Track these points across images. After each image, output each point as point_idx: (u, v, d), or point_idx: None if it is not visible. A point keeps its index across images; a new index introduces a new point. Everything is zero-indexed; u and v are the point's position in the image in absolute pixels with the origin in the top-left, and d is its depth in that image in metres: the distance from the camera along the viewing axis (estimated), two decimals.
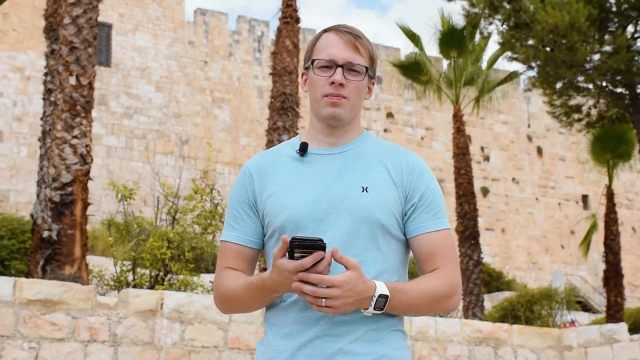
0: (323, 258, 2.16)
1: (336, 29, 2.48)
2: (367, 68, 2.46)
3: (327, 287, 2.19)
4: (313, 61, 2.47)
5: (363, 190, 2.39)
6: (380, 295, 2.26)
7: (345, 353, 2.32)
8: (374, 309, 2.27)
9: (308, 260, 2.15)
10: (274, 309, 2.43)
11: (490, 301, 24.51)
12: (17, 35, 29.36)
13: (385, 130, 36.20)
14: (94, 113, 29.44)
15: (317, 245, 2.14)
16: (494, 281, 30.25)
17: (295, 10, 14.33)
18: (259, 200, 2.48)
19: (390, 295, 2.28)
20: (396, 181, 2.44)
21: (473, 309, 15.89)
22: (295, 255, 2.16)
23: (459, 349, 9.64)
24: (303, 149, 2.48)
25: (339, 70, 2.42)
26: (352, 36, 2.45)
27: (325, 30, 2.52)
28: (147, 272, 10.36)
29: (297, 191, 2.42)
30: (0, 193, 28.02)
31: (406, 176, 2.46)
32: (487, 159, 38.88)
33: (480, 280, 16.30)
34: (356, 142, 2.51)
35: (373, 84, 2.55)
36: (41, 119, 11.89)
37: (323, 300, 2.20)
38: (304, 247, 2.14)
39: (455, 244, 2.50)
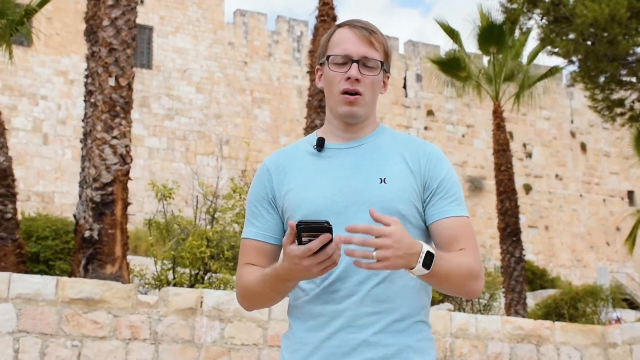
0: (332, 241, 2.14)
1: (350, 25, 2.48)
2: (382, 63, 2.46)
3: (377, 237, 2.12)
4: (328, 57, 2.47)
5: (381, 182, 2.39)
6: (428, 253, 2.20)
7: (370, 344, 2.32)
8: (423, 266, 2.19)
9: (315, 244, 2.13)
10: (298, 303, 2.44)
11: (534, 299, 24.27)
12: (60, 40, 29.76)
13: (425, 129, 36.04)
14: (136, 115, 29.73)
15: (323, 227, 2.12)
16: (537, 279, 29.94)
17: (332, 9, 14.34)
18: (278, 196, 2.49)
19: (436, 256, 2.22)
20: (414, 171, 2.43)
21: (516, 307, 15.75)
22: (304, 239, 2.14)
23: (500, 346, 9.56)
24: (320, 144, 2.49)
25: (355, 65, 2.42)
26: (367, 31, 2.45)
27: (339, 26, 2.52)
28: (187, 271, 10.44)
29: (316, 186, 2.42)
30: (46, 195, 28.42)
31: (424, 165, 2.45)
32: (529, 156, 38.51)
33: (522, 277, 16.14)
34: (373, 136, 2.51)
35: (388, 78, 2.55)
36: (83, 120, 12.04)
37: (374, 253, 2.12)
38: (311, 230, 2.12)
39: (474, 233, 2.46)
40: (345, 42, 2.45)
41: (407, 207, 2.38)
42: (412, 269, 2.20)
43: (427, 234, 2.46)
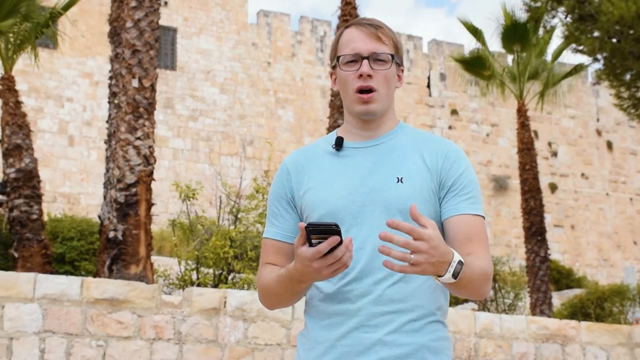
0: (340, 243, 2.14)
1: (356, 23, 2.49)
2: (392, 56, 2.45)
3: (415, 239, 2.09)
4: (338, 58, 2.48)
5: (398, 181, 2.38)
6: (459, 262, 2.18)
7: (385, 344, 2.31)
8: (452, 275, 2.17)
9: (324, 246, 2.12)
10: (313, 301, 2.44)
11: (560, 299, 24.10)
12: (85, 42, 29.95)
13: (449, 128, 35.92)
14: (160, 116, 29.90)
15: (331, 230, 2.11)
16: (563, 279, 29.71)
17: (355, 8, 14.33)
18: (296, 195, 2.49)
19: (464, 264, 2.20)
20: (430, 168, 2.42)
21: (541, 306, 15.65)
22: (313, 241, 2.14)
23: (525, 346, 9.51)
24: (338, 143, 2.49)
25: (365, 62, 2.42)
26: (373, 27, 2.46)
27: (346, 27, 2.53)
28: (211, 271, 10.47)
29: (333, 185, 2.42)
30: (72, 196, 28.62)
31: (441, 162, 2.44)
32: (554, 154, 38.26)
33: (547, 277, 16.04)
34: (392, 134, 2.50)
35: (402, 71, 2.54)
36: (107, 121, 12.11)
37: (412, 256, 2.09)
38: (319, 232, 2.12)
39: (487, 234, 2.44)
40: (353, 41, 2.46)
41: (423, 207, 2.37)
42: (440, 276, 2.18)
43: (442, 233, 2.43)
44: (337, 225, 2.12)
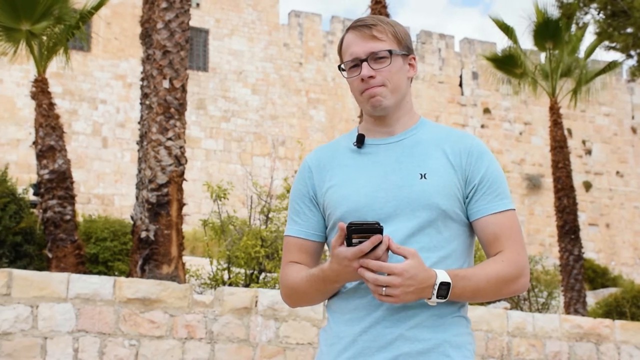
0: (381, 242, 2.14)
1: (351, 27, 2.51)
2: (390, 51, 2.45)
3: (388, 274, 2.17)
4: (342, 66, 2.52)
5: (421, 177, 2.38)
6: (442, 284, 2.23)
7: (406, 339, 2.31)
8: (437, 297, 2.24)
9: (367, 245, 2.13)
10: (336, 297, 2.44)
11: (595, 298, 23.87)
12: (118, 44, 30.19)
13: (482, 127, 35.71)
14: (192, 117, 30.04)
15: (374, 228, 2.12)
16: (598, 278, 29.41)
17: (385, 7, 14.28)
18: (318, 193, 2.50)
19: (452, 283, 2.25)
20: (455, 165, 2.42)
21: (575, 305, 15.51)
22: (353, 241, 2.15)
23: (558, 345, 9.43)
24: (360, 140, 2.49)
25: (364, 64, 2.44)
26: (367, 27, 2.47)
27: (344, 33, 2.55)
28: (242, 270, 10.50)
29: (355, 182, 2.42)
30: (106, 197, 28.87)
31: (465, 159, 2.43)
32: (589, 152, 37.90)
33: (581, 275, 15.89)
34: (413, 130, 2.50)
35: (413, 59, 2.54)
36: (139, 123, 12.19)
37: (383, 288, 2.18)
38: (361, 231, 2.12)
39: (519, 225, 2.43)
40: (350, 46, 2.48)
41: (448, 202, 2.37)
42: (428, 298, 2.25)
43: (471, 229, 2.45)
44: (379, 224, 2.14)
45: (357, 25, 2.49)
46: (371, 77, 2.43)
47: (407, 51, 2.51)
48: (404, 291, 2.18)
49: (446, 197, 2.37)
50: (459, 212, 2.40)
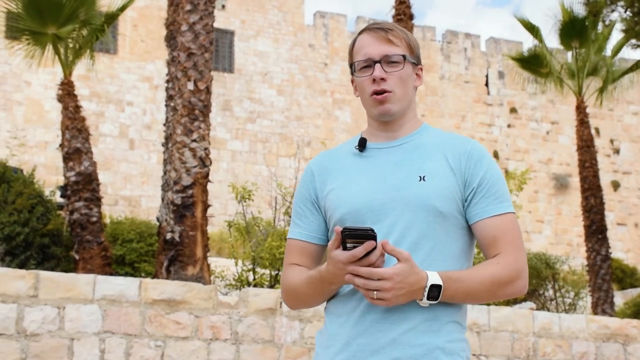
0: (375, 248, 2.17)
1: (367, 29, 2.53)
2: (404, 56, 2.48)
3: (378, 279, 2.20)
4: (354, 65, 2.53)
5: (420, 180, 2.40)
6: (432, 286, 2.25)
7: (399, 343, 2.32)
8: (428, 299, 2.27)
9: (359, 250, 2.17)
10: (333, 299, 2.47)
11: (624, 298, 23.67)
12: (145, 46, 30.37)
13: (508, 126, 35.53)
14: (218, 118, 30.14)
15: (367, 234, 2.15)
16: (627, 278, 29.15)
17: (409, 7, 14.25)
18: (320, 196, 2.53)
19: (444, 285, 2.27)
20: (454, 168, 2.44)
21: (602, 305, 15.38)
22: (348, 245, 2.18)
23: (585, 345, 9.37)
24: (362, 144, 2.53)
25: (377, 65, 2.46)
26: (383, 30, 2.49)
27: (358, 34, 2.58)
28: (267, 271, 10.52)
29: (355, 184, 2.45)
30: (133, 199, 29.05)
31: (464, 162, 2.45)
32: (617, 151, 37.57)
33: (609, 275, 15.75)
34: (415, 134, 2.53)
35: (420, 69, 2.58)
36: (164, 124, 12.25)
37: (374, 292, 2.21)
38: (355, 236, 2.16)
39: (519, 228, 2.44)
40: (364, 47, 2.50)
41: (446, 205, 2.39)
42: (420, 299, 2.28)
43: (469, 232, 2.46)
44: (373, 230, 2.17)
45: (374, 28, 2.51)
46: (383, 79, 2.46)
47: (417, 61, 2.55)
48: (396, 294, 2.21)
49: (445, 200, 2.38)
50: (457, 215, 2.42)
